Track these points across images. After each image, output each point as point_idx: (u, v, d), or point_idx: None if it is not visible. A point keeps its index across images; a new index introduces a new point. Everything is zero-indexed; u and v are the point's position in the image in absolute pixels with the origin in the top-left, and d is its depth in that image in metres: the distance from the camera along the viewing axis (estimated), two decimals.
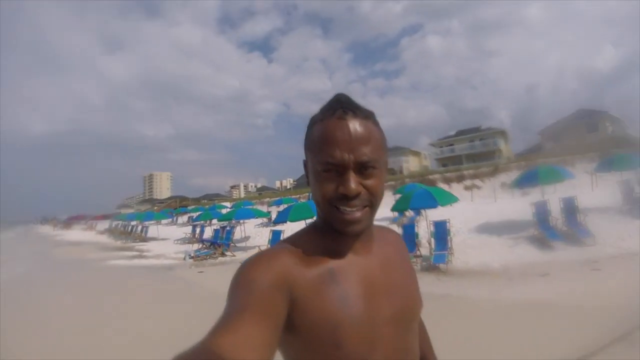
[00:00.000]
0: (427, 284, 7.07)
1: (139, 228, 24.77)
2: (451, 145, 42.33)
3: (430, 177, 26.37)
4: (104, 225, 37.58)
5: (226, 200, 36.53)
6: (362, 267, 0.76)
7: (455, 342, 3.81)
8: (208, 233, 17.20)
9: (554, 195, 10.62)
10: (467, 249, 9.01)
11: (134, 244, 21.23)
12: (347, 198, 0.69)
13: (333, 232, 0.74)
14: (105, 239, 26.68)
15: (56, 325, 5.71)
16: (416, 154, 48.99)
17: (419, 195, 9.76)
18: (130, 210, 63.78)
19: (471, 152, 39.33)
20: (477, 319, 4.78)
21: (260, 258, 0.70)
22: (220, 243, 14.73)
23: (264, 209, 22.96)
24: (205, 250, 14.56)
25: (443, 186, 23.58)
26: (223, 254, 13.66)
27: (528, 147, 39.09)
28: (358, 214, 0.70)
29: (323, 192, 0.71)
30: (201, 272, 10.60)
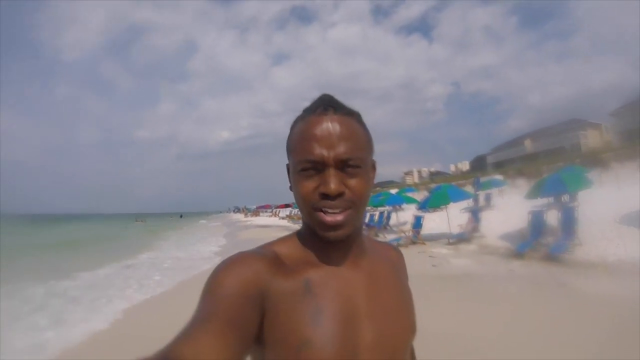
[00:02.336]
0: (531, 270, 7.60)
1: None
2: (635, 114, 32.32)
3: (603, 155, 22.06)
4: (285, 212, 46.24)
5: (397, 187, 38.47)
6: (345, 281, 0.68)
7: (527, 325, 4.45)
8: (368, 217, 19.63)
9: None
10: (600, 240, 8.67)
11: None
12: (328, 198, 0.63)
13: (315, 239, 0.69)
14: (286, 223, 33.07)
15: None
16: (596, 126, 39.95)
17: (550, 182, 10.00)
18: None
19: None
20: (559, 306, 5.30)
21: (233, 262, 0.63)
22: (373, 225, 17.47)
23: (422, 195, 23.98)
24: None
25: (615, 166, 19.79)
26: (376, 235, 15.90)
27: None
28: (340, 217, 0.63)
29: (303, 192, 0.65)
30: None
